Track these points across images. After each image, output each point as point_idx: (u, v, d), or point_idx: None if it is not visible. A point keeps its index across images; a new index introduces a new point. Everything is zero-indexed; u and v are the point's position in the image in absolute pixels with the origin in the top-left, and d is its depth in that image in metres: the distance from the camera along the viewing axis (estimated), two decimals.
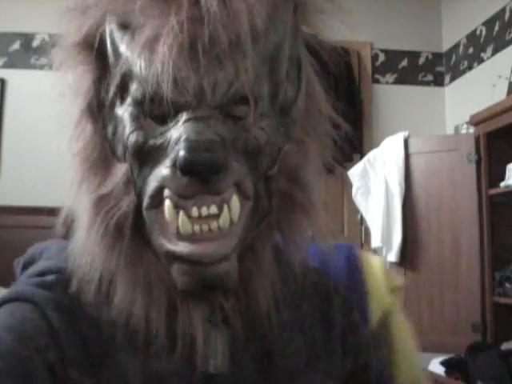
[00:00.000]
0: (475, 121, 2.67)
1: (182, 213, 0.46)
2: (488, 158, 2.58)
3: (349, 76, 3.54)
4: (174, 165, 0.46)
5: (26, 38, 3.55)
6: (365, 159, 3.02)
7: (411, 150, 2.88)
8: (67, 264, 0.54)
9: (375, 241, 2.92)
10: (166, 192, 0.47)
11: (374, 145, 3.27)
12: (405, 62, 3.79)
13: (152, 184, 0.48)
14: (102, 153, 0.51)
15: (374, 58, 3.76)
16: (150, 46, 0.45)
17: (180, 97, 0.46)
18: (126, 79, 0.49)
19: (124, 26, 0.48)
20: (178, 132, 0.46)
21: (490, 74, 3.05)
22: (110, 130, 0.51)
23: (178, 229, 0.47)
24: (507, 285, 2.41)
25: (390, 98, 3.73)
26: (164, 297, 0.49)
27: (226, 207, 0.47)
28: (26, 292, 0.52)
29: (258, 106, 0.49)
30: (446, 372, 2.41)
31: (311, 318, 0.61)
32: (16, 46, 3.55)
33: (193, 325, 0.49)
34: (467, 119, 2.84)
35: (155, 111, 0.48)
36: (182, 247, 0.47)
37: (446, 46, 3.78)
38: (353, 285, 0.91)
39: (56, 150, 0.54)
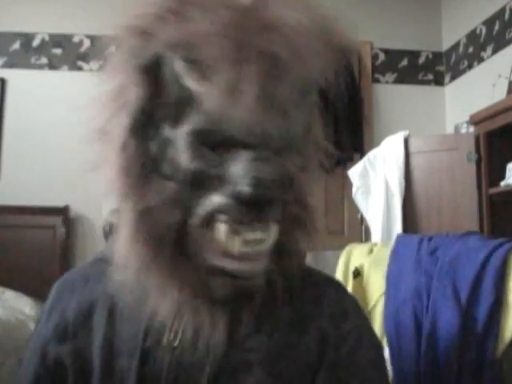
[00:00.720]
0: (475, 120, 2.67)
1: (238, 237, 0.53)
2: (488, 157, 2.58)
3: (349, 75, 3.54)
4: (234, 196, 0.52)
5: (26, 38, 3.55)
6: (365, 158, 3.02)
7: (411, 149, 2.88)
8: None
9: (375, 240, 2.92)
10: (222, 217, 0.53)
11: (374, 144, 3.27)
12: (405, 62, 3.79)
13: (206, 207, 0.53)
14: (143, 167, 0.55)
15: (374, 57, 3.76)
16: (230, 91, 0.50)
17: (249, 138, 0.53)
18: (184, 107, 0.53)
19: (190, 60, 0.52)
20: (241, 167, 0.52)
21: (490, 74, 3.05)
22: (153, 147, 0.55)
23: (227, 248, 0.54)
24: None
25: (390, 97, 3.73)
26: (195, 300, 0.56)
27: (270, 233, 0.55)
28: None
29: (292, 145, 0.57)
30: None
31: (287, 320, 0.63)
32: (16, 45, 3.55)
33: (217, 326, 0.56)
34: (467, 118, 2.84)
35: (214, 142, 0.53)
36: (228, 263, 0.54)
37: (446, 46, 3.78)
38: (478, 295, 0.83)
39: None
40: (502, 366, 0.81)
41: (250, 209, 0.52)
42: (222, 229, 0.53)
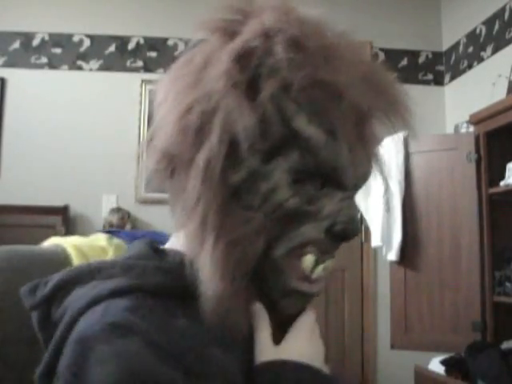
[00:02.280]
0: (475, 120, 2.67)
1: (322, 265, 0.60)
2: (488, 157, 2.58)
3: None
4: (327, 231, 0.58)
5: (26, 38, 3.55)
6: None
7: (411, 149, 2.88)
8: (148, 279, 0.56)
9: (375, 240, 2.92)
10: (310, 248, 0.58)
11: None
12: (405, 61, 3.79)
13: (297, 239, 0.57)
14: (224, 196, 0.55)
15: (374, 57, 3.76)
16: (356, 146, 0.58)
17: (349, 182, 0.59)
18: (284, 145, 0.55)
19: (303, 104, 0.55)
20: (337, 206, 0.58)
21: (490, 73, 3.05)
22: (235, 177, 0.55)
23: (310, 274, 0.59)
24: (507, 284, 2.41)
25: None
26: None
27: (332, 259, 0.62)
28: (125, 323, 0.50)
29: None
30: (446, 371, 2.41)
31: None
32: (16, 45, 3.55)
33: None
34: (467, 118, 2.84)
35: (305, 180, 0.57)
36: (306, 287, 0.60)
37: (445, 45, 3.78)
38: None
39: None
40: None
41: (337, 241, 0.60)
42: (309, 258, 0.59)
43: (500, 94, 2.78)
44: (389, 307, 2.95)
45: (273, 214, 0.55)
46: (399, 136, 2.90)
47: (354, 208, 0.59)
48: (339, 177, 0.57)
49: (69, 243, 0.96)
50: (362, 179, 0.61)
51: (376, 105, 0.61)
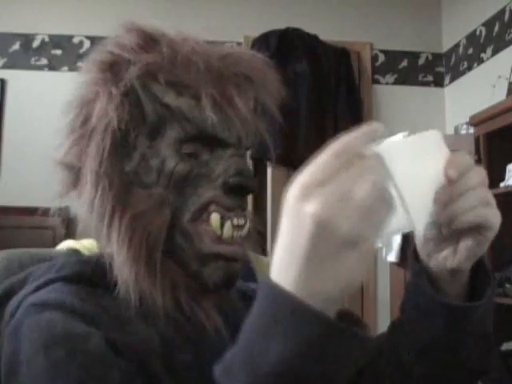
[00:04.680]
0: (475, 121, 2.67)
1: (229, 222, 0.62)
2: (488, 158, 2.58)
3: (349, 76, 3.55)
4: (223, 186, 0.61)
5: (26, 39, 3.56)
6: None
7: None
8: (65, 272, 0.61)
9: None
10: (213, 207, 0.62)
11: None
12: (405, 63, 3.79)
13: (198, 201, 0.62)
14: (122, 182, 0.62)
15: (374, 58, 3.77)
16: (219, 102, 0.61)
17: (231, 139, 0.63)
18: (163, 123, 0.63)
19: (168, 83, 0.62)
20: (225, 164, 0.62)
21: (490, 75, 3.06)
22: (130, 164, 0.63)
23: (221, 234, 0.62)
24: (507, 285, 2.41)
25: (390, 98, 3.73)
26: (185, 293, 0.62)
27: (248, 220, 0.65)
28: (47, 299, 0.57)
29: None
30: None
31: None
32: (16, 46, 3.55)
33: (209, 313, 0.62)
34: (467, 120, 2.84)
35: (193, 148, 0.63)
36: (222, 248, 0.62)
37: (445, 47, 3.78)
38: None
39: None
40: None
41: (236, 196, 0.62)
42: (214, 217, 0.62)
43: (500, 96, 2.78)
44: (389, 308, 2.95)
45: (169, 185, 0.61)
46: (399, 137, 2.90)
47: (244, 163, 0.63)
48: (217, 136, 0.62)
49: (83, 246, 0.96)
50: (244, 136, 0.65)
51: (233, 70, 0.65)
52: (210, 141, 0.63)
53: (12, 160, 3.44)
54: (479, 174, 0.54)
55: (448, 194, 0.51)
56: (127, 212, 0.60)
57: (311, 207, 0.38)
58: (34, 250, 0.89)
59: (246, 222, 0.64)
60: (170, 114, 0.62)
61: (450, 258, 0.57)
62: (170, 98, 0.62)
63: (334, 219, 0.38)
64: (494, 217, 0.56)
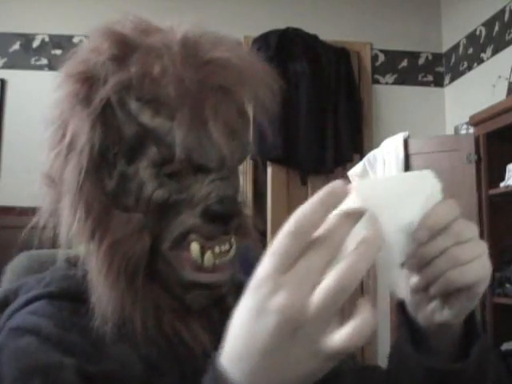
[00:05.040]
0: (475, 121, 2.67)
1: (209, 252, 0.59)
2: (488, 158, 2.58)
3: (349, 76, 3.55)
4: (204, 214, 0.58)
5: (26, 39, 3.55)
6: (365, 159, 3.02)
7: (411, 150, 2.88)
8: (53, 287, 0.61)
9: None
10: (193, 236, 0.58)
11: (374, 145, 3.27)
12: (405, 63, 3.79)
13: (177, 230, 0.58)
14: (102, 204, 0.59)
15: (374, 58, 3.76)
16: (196, 123, 0.57)
17: (209, 163, 0.59)
18: (140, 143, 0.58)
19: (145, 100, 0.58)
20: (206, 189, 0.58)
21: (490, 75, 3.06)
22: (110, 184, 0.60)
23: (202, 263, 0.59)
24: (507, 285, 2.41)
25: (390, 98, 3.73)
26: (169, 314, 0.60)
27: (233, 244, 0.61)
28: (25, 324, 0.57)
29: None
30: None
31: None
32: (16, 46, 3.55)
33: (196, 333, 0.61)
34: (467, 119, 2.84)
35: (174, 171, 0.58)
36: (202, 277, 0.59)
37: (445, 47, 3.78)
38: None
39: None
40: None
41: (218, 224, 0.58)
42: (194, 247, 0.59)
43: (500, 96, 2.78)
44: (389, 308, 2.94)
45: (148, 210, 0.58)
46: (399, 137, 2.90)
47: (225, 188, 0.59)
48: (196, 160, 0.58)
49: None
50: (227, 156, 0.59)
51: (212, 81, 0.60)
52: (189, 165, 0.59)
53: (12, 160, 3.44)
54: (457, 231, 0.48)
55: (419, 258, 0.48)
56: (106, 237, 0.58)
57: (275, 302, 0.35)
58: (52, 251, 0.90)
59: (230, 248, 0.61)
60: (147, 134, 0.58)
61: (437, 312, 0.52)
62: (146, 118, 0.58)
63: (299, 316, 0.35)
64: (474, 274, 0.48)
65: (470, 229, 0.49)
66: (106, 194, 0.60)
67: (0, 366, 0.54)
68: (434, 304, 0.52)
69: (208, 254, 0.59)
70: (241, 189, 0.66)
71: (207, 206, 0.58)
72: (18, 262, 0.86)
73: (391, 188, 0.46)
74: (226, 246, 0.60)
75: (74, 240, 0.61)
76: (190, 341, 0.60)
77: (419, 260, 0.48)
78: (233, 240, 0.62)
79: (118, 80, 0.58)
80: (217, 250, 0.59)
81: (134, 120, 0.59)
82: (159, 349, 0.59)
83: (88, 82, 0.60)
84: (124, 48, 0.60)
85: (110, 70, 0.59)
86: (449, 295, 0.50)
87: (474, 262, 0.47)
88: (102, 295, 0.57)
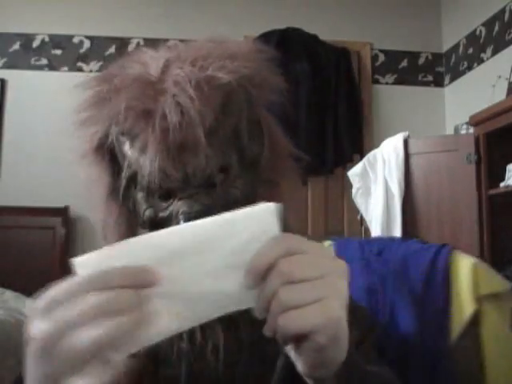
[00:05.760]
0: (475, 121, 2.67)
1: None
2: (488, 158, 2.58)
3: (349, 76, 3.55)
4: None
5: (26, 39, 3.56)
6: (365, 159, 3.02)
7: (411, 150, 2.88)
8: None
9: None
10: None
11: (374, 145, 3.27)
12: (405, 63, 3.79)
13: None
14: (129, 222, 0.70)
15: (374, 58, 3.77)
16: (143, 152, 0.63)
17: (171, 184, 0.64)
18: (129, 170, 0.66)
19: (123, 133, 0.65)
20: (176, 207, 0.64)
21: (490, 75, 3.06)
22: (130, 204, 0.69)
23: None
24: None
25: (390, 98, 3.73)
26: None
27: None
28: None
29: (230, 173, 0.65)
30: None
31: None
32: (16, 46, 3.55)
33: (207, 328, 0.64)
34: (467, 119, 2.84)
35: (158, 193, 0.65)
36: None
37: (445, 47, 3.78)
38: (431, 291, 0.90)
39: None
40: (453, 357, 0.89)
41: None
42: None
43: (500, 96, 2.78)
44: None
45: (147, 227, 0.67)
46: (399, 137, 2.90)
47: (191, 205, 0.63)
48: (161, 184, 0.64)
49: None
50: (188, 177, 0.63)
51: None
52: (159, 188, 0.65)
53: (12, 160, 3.44)
54: (286, 270, 0.42)
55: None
56: None
57: (33, 329, 0.41)
58: None
59: None
60: (129, 164, 0.66)
61: (298, 364, 0.46)
62: (126, 149, 0.66)
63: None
64: (306, 321, 0.41)
65: (310, 267, 0.43)
66: (131, 213, 0.70)
67: None
68: (292, 355, 0.46)
69: None
70: (233, 200, 0.65)
71: (177, 224, 0.63)
72: None
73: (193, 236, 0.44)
74: None
75: None
76: (199, 339, 0.64)
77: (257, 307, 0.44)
78: None
79: (104, 116, 0.67)
80: None
81: (121, 152, 0.67)
82: (169, 341, 0.61)
83: (88, 121, 0.71)
84: (106, 84, 0.68)
85: (101, 107, 0.67)
86: (295, 345, 0.44)
87: (306, 307, 0.41)
88: None
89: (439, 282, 0.91)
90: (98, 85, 0.69)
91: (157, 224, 0.65)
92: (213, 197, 0.65)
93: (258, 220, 0.44)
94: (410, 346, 0.89)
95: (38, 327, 0.41)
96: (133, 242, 0.44)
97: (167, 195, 0.65)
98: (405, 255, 0.98)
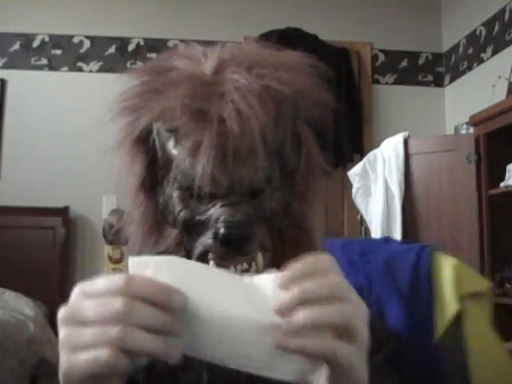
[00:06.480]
0: (475, 121, 2.67)
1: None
2: (488, 158, 2.58)
3: (349, 76, 3.55)
4: (215, 237, 0.62)
5: (26, 39, 3.56)
6: (365, 159, 3.02)
7: (411, 150, 2.88)
8: None
9: None
10: (210, 255, 0.63)
11: (374, 145, 3.27)
12: (405, 63, 3.79)
13: (198, 249, 0.64)
14: (155, 218, 0.68)
15: (374, 58, 3.77)
16: (194, 153, 0.62)
17: (216, 190, 0.63)
18: (172, 168, 0.65)
19: (170, 130, 0.64)
20: (216, 213, 0.62)
21: (490, 75, 3.06)
22: (160, 201, 0.68)
23: None
24: (507, 285, 2.41)
25: (390, 98, 3.73)
26: None
27: (253, 263, 0.63)
28: None
29: (271, 185, 0.66)
30: None
31: None
32: (16, 46, 3.55)
33: None
34: (467, 119, 2.84)
35: (197, 195, 0.64)
36: None
37: (445, 47, 3.78)
38: (416, 293, 0.92)
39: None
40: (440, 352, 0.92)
41: (228, 245, 0.62)
42: (211, 265, 0.63)
43: (500, 96, 2.78)
44: None
45: (179, 228, 0.66)
46: (399, 137, 2.90)
47: (233, 213, 0.62)
48: (205, 188, 0.63)
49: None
50: (233, 185, 0.63)
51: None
52: (202, 192, 0.64)
53: (12, 160, 3.44)
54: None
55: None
56: (154, 248, 0.67)
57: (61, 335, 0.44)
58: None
59: (251, 266, 0.64)
60: (171, 162, 0.65)
61: None
62: (170, 147, 0.65)
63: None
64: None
65: (338, 314, 0.46)
66: (160, 210, 0.68)
67: None
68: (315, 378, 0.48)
69: None
70: (270, 212, 0.66)
71: (216, 230, 0.62)
72: None
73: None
74: (244, 266, 0.64)
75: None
76: None
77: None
78: (258, 258, 0.64)
79: (152, 110, 0.65)
80: (232, 269, 0.63)
81: (163, 148, 0.66)
82: None
83: (133, 113, 0.68)
84: (158, 78, 0.67)
85: (148, 101, 0.66)
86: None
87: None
88: None
89: (423, 284, 0.93)
90: (147, 75, 0.68)
91: (191, 226, 0.65)
92: (253, 207, 0.64)
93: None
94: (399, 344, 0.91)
95: (64, 311, 0.45)
96: (196, 266, 0.47)
97: (207, 199, 0.64)
98: (388, 257, 0.99)
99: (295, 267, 0.47)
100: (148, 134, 0.67)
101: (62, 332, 0.44)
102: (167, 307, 0.43)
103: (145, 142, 0.67)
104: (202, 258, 0.64)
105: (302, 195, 0.72)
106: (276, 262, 0.66)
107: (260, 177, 0.64)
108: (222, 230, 0.61)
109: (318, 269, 0.47)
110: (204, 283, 0.46)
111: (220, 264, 0.63)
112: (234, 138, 0.61)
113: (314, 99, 0.69)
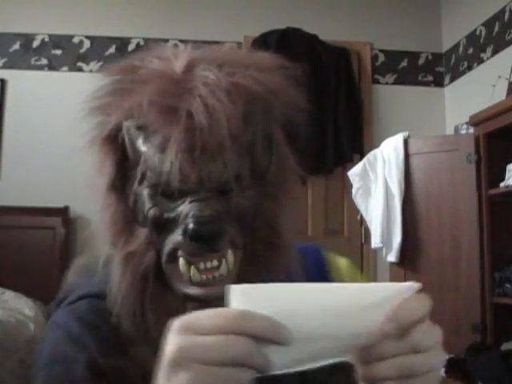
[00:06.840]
0: (475, 121, 2.67)
1: (193, 267, 0.63)
2: (488, 158, 2.58)
3: (349, 76, 3.55)
4: (184, 233, 0.62)
5: (26, 39, 3.56)
6: (365, 159, 3.02)
7: (411, 150, 2.88)
8: (96, 288, 0.72)
9: (375, 241, 2.93)
10: (180, 252, 0.64)
11: (374, 145, 3.27)
12: (405, 63, 3.79)
13: (168, 246, 0.64)
14: (126, 218, 0.68)
15: (374, 58, 3.77)
16: (162, 149, 0.62)
17: (184, 185, 0.63)
18: (142, 166, 0.65)
19: (139, 127, 0.64)
20: (186, 209, 0.63)
21: (490, 75, 3.06)
22: (130, 200, 0.67)
23: (190, 278, 0.64)
24: (507, 285, 2.41)
25: (390, 98, 3.73)
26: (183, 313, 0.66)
27: (224, 260, 0.64)
28: (59, 320, 0.72)
29: (241, 182, 0.65)
30: (445, 372, 2.41)
31: None
32: (16, 46, 3.56)
33: None
34: (467, 119, 2.84)
35: (166, 192, 0.64)
36: (194, 290, 0.64)
37: (445, 47, 3.78)
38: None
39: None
40: None
41: (198, 242, 0.62)
42: (181, 262, 0.64)
43: (500, 96, 2.78)
44: None
45: (150, 228, 0.65)
46: (399, 137, 2.90)
47: (202, 209, 0.62)
48: (174, 184, 0.63)
49: None
50: (198, 181, 0.63)
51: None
52: (171, 188, 0.64)
53: (12, 160, 3.44)
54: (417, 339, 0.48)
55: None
56: (124, 248, 0.67)
57: (181, 378, 0.43)
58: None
59: (221, 263, 0.64)
60: (140, 159, 0.65)
61: None
62: (139, 144, 0.65)
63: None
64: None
65: (429, 338, 0.49)
66: (130, 209, 0.68)
67: (40, 350, 0.69)
68: None
69: (192, 270, 0.63)
70: (240, 210, 0.66)
71: (185, 226, 0.62)
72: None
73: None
74: (214, 263, 0.64)
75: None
76: None
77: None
78: (228, 256, 0.64)
79: (121, 108, 0.65)
80: (201, 266, 0.63)
81: (132, 146, 0.66)
82: None
83: (103, 112, 0.68)
84: (127, 77, 0.67)
85: (118, 99, 0.66)
86: None
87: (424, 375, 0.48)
88: (117, 298, 0.66)
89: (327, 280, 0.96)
90: (117, 74, 0.68)
91: (161, 224, 0.64)
92: (223, 204, 0.64)
93: (399, 293, 0.48)
94: None
95: (173, 342, 0.45)
96: (293, 288, 0.47)
97: (175, 196, 0.64)
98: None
99: (405, 311, 0.48)
100: (118, 133, 0.66)
101: (187, 373, 0.43)
102: (276, 343, 0.44)
103: (115, 141, 0.67)
104: (172, 256, 0.64)
105: (275, 197, 0.71)
106: (247, 261, 0.67)
107: (229, 173, 0.64)
108: (191, 226, 0.60)
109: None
110: (296, 307, 0.46)
111: (190, 261, 0.63)
112: (201, 132, 0.61)
113: (287, 100, 0.69)
